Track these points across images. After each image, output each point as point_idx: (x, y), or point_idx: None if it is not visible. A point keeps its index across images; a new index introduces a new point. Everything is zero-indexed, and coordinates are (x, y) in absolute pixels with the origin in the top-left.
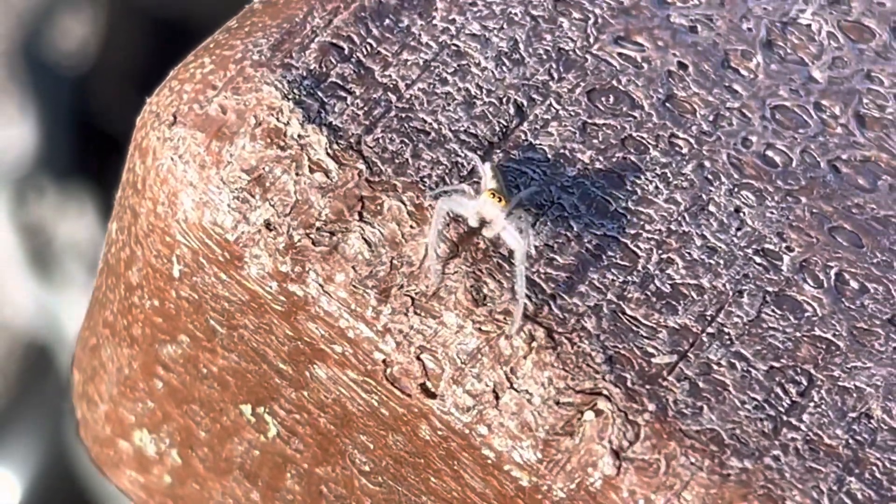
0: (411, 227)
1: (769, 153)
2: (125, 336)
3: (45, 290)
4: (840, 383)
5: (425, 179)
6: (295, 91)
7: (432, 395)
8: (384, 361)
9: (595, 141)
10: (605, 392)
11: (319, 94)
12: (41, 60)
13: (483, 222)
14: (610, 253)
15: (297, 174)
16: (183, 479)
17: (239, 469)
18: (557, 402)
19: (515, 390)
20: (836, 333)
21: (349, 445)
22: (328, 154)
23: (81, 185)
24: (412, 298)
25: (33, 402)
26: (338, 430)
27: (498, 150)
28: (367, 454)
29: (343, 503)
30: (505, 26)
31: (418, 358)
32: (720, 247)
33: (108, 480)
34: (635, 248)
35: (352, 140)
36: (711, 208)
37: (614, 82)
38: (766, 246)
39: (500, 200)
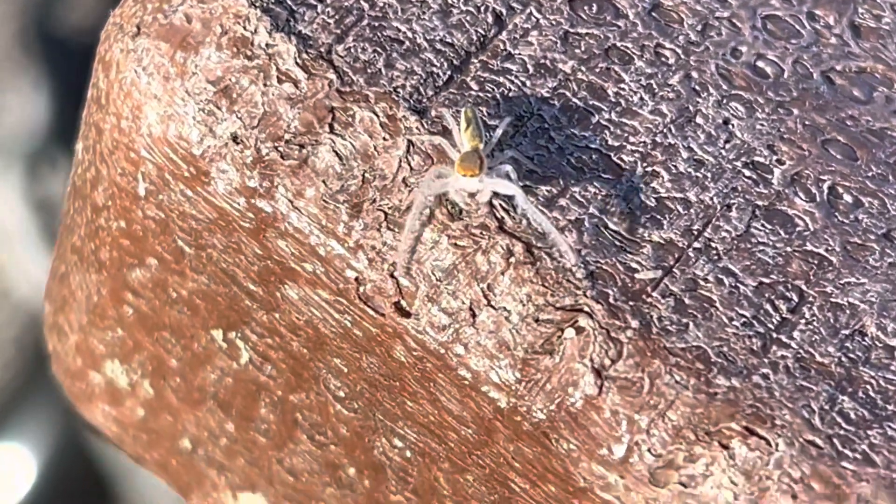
0: (384, 139)
1: (760, 64)
2: (93, 261)
3: None
4: (833, 300)
5: (399, 90)
6: None
7: (406, 314)
8: (357, 279)
9: (577, 51)
10: (586, 308)
11: (288, 1)
12: (54, 35)
13: (471, 194)
14: (592, 165)
15: (264, 85)
16: (156, 411)
17: (212, 399)
18: (536, 320)
19: (493, 307)
20: (829, 248)
21: (323, 370)
22: (297, 64)
23: None
24: (385, 213)
25: (50, 378)
26: (311, 354)
27: (475, 60)
28: (341, 378)
29: (318, 431)
30: None
31: (392, 275)
32: (708, 159)
33: (81, 416)
34: (619, 161)
35: (322, 49)
36: (699, 120)
37: None
38: (756, 159)
39: (473, 173)
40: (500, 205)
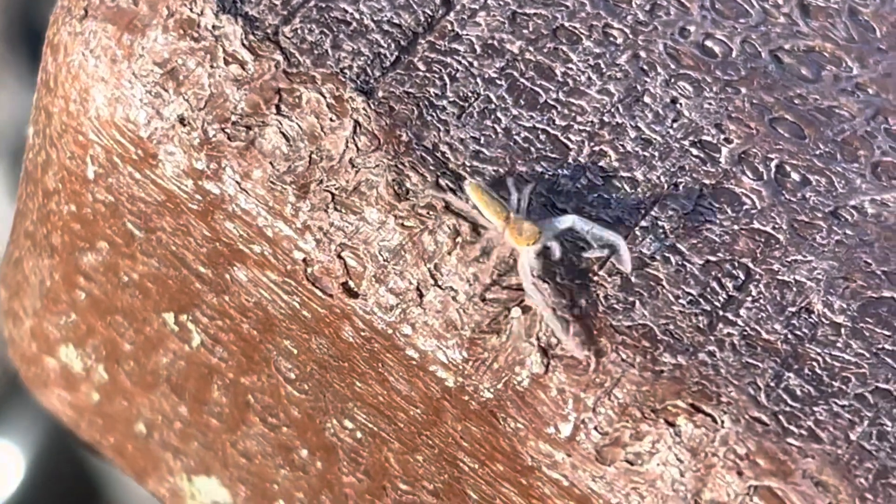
0: (331, 119)
1: (708, 43)
2: (45, 245)
3: None
4: (779, 277)
5: (346, 71)
6: None
7: (354, 295)
8: (304, 261)
9: (525, 31)
10: None
11: None
12: (39, 30)
13: (544, 257)
14: (539, 145)
15: (211, 66)
16: (111, 396)
17: (166, 382)
18: (483, 299)
19: (440, 287)
20: (776, 226)
21: (273, 352)
22: (244, 45)
23: None
24: (332, 194)
25: None
26: (261, 336)
27: (422, 41)
28: (291, 360)
29: (270, 413)
30: None
31: (339, 256)
32: (655, 139)
33: (38, 401)
34: (566, 141)
35: (269, 31)
36: (647, 99)
37: None
38: (704, 137)
39: (538, 237)
40: (447, 184)
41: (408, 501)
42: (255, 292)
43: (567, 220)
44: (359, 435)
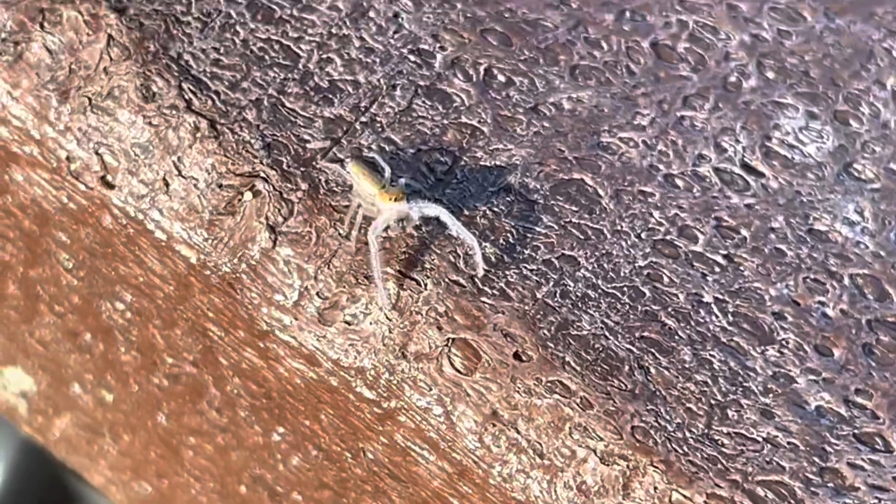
0: (88, 34)
1: None
2: None
3: None
4: (482, 163)
5: None
6: None
7: (111, 187)
8: (67, 158)
9: None
10: (262, 174)
11: None
12: None
13: (401, 220)
14: (273, 54)
15: None
16: None
17: None
18: (220, 185)
19: (183, 177)
20: (482, 121)
21: (52, 244)
22: None
23: None
24: (89, 99)
25: None
26: (40, 230)
27: None
28: (67, 251)
29: (56, 302)
30: None
31: (97, 153)
32: (377, 47)
33: None
34: (297, 50)
35: None
36: (371, 14)
37: None
38: (421, 46)
39: (397, 199)
40: (189, 88)
41: (175, 373)
42: (31, 190)
43: (435, 210)
44: (129, 315)
